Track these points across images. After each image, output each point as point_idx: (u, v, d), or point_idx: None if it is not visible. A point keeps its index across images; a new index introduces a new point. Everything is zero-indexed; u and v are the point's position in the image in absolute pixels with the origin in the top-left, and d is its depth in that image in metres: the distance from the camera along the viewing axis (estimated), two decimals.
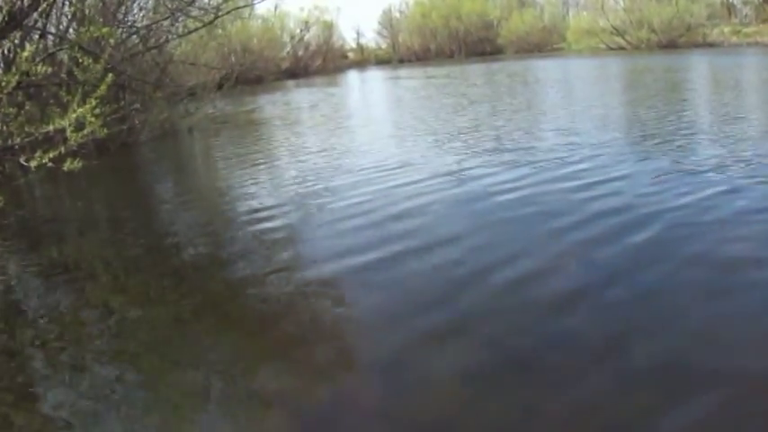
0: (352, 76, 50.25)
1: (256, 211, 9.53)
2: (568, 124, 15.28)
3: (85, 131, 8.44)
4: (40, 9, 13.56)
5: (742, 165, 9.58)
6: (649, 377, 4.10)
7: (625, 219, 7.41)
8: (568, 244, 6.77)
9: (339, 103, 28.22)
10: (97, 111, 8.63)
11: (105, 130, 8.93)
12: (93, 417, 4.32)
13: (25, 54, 8.84)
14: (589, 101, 20.87)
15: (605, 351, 4.50)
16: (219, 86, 23.57)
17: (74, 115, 8.23)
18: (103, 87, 8.71)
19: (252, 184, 11.67)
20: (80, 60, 10.47)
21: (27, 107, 11.84)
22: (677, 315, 4.97)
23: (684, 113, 15.60)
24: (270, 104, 29.04)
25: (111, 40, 12.61)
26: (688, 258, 6.09)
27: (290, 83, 48.11)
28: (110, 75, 9.44)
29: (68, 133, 8.25)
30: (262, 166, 13.42)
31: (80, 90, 9.02)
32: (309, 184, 10.97)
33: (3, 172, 11.63)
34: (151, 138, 18.75)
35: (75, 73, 10.61)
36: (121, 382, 4.72)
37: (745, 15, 61.38)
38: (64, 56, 13.89)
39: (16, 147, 9.38)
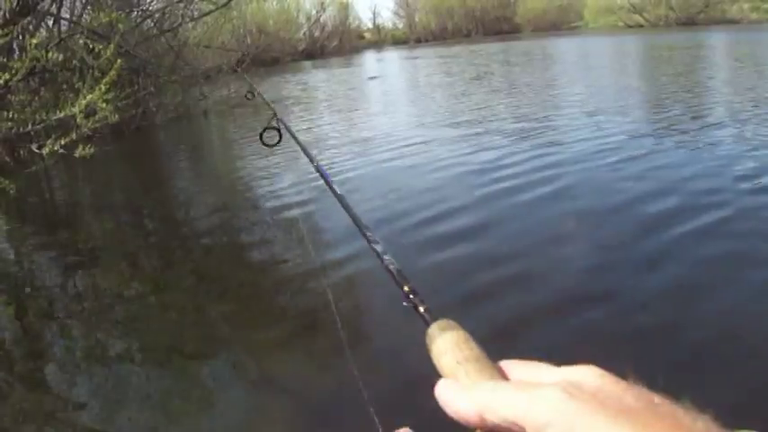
0: (369, 57, 50.06)
1: (272, 193, 9.56)
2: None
3: (96, 117, 8.47)
4: None
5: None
6: None
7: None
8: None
9: (354, 84, 28.15)
10: (108, 96, 8.66)
11: (116, 116, 8.96)
12: (105, 400, 4.37)
13: (35, 41, 8.87)
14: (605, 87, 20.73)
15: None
16: (235, 69, 23.58)
17: (84, 102, 8.25)
18: (113, 74, 8.72)
19: (267, 165, 11.66)
20: (91, 47, 10.50)
21: (42, 93, 11.92)
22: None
23: (706, 95, 15.49)
24: (286, 85, 29.00)
25: (121, 26, 12.61)
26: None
27: (307, 64, 47.98)
28: (119, 60, 9.45)
29: (79, 120, 8.28)
30: (277, 148, 13.41)
31: (91, 76, 9.04)
32: (325, 163, 10.93)
33: (18, 158, 11.70)
34: (166, 121, 18.80)
35: (86, 59, 10.64)
36: (134, 367, 4.78)
37: None
38: (78, 41, 13.92)
39: (32, 133, 9.44)
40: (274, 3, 54.92)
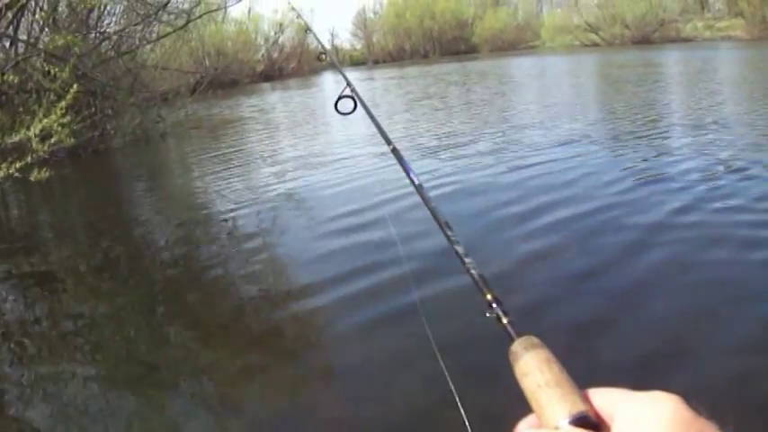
0: (326, 78, 50.05)
1: (230, 215, 9.57)
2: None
3: (52, 141, 8.44)
4: (9, 16, 13.58)
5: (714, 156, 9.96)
6: None
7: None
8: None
9: (309, 106, 28.22)
10: (64, 120, 8.63)
11: (72, 140, 8.93)
12: (63, 425, 4.36)
13: None
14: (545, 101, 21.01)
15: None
16: (193, 91, 23.48)
17: (39, 126, 8.22)
18: (69, 98, 8.69)
19: (225, 187, 11.68)
20: (47, 69, 10.46)
21: None
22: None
23: (656, 109, 15.78)
24: (243, 108, 29.00)
25: (77, 48, 12.56)
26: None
27: (266, 86, 47.96)
28: (76, 85, 9.42)
29: (34, 144, 8.24)
30: (235, 169, 13.43)
31: (46, 99, 9.01)
32: (282, 184, 11.16)
33: None
34: (123, 144, 18.71)
35: (42, 81, 10.60)
36: (98, 393, 4.74)
37: (718, 10, 61.72)
38: (36, 63, 13.84)
39: None
40: (232, 25, 54.93)
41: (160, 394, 4.71)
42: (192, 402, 4.54)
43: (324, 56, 3.60)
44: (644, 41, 54.37)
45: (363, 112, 2.53)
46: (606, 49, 51.48)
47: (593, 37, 59.84)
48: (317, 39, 4.09)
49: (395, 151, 1.90)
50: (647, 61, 32.56)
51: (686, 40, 52.76)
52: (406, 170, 1.65)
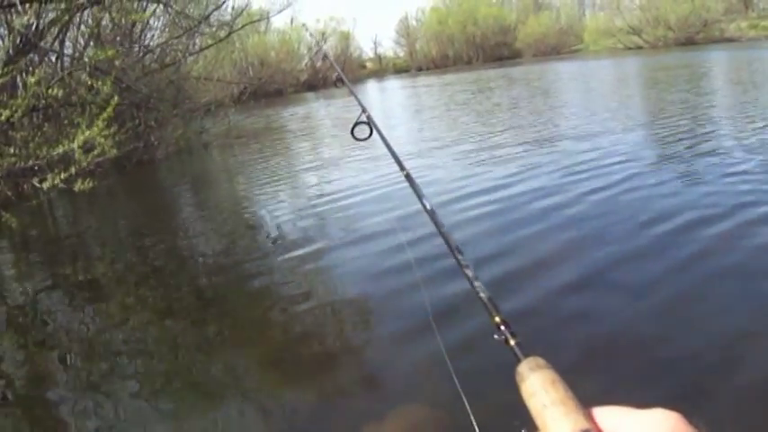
0: (371, 87, 50.24)
1: (272, 222, 9.68)
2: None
3: (96, 152, 8.64)
4: (55, 31, 13.91)
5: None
6: None
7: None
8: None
9: (351, 114, 28.29)
10: (107, 132, 8.83)
11: (116, 151, 9.12)
12: (108, 425, 4.48)
13: (33, 79, 9.05)
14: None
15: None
16: (236, 101, 23.63)
17: (82, 138, 8.42)
18: (110, 110, 8.87)
19: (267, 196, 11.81)
20: (90, 83, 10.70)
21: (44, 128, 12.14)
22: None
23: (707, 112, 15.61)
24: (287, 118, 29.17)
25: (117, 62, 12.81)
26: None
27: (310, 95, 48.22)
28: (116, 97, 9.61)
29: (78, 156, 8.44)
30: (277, 178, 13.54)
31: (89, 112, 9.23)
32: (327, 196, 11.07)
33: (21, 192, 11.89)
34: (167, 155, 18.93)
35: (84, 95, 10.83)
36: (141, 399, 4.82)
37: (763, 9, 61.02)
38: (81, 77, 14.09)
39: (35, 168, 9.62)
40: (275, 35, 55.39)
41: (202, 399, 4.74)
42: (234, 407, 4.60)
43: (340, 83, 3.64)
44: (688, 43, 53.85)
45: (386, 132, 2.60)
46: (650, 52, 51.00)
47: (636, 39, 59.43)
48: (333, 65, 4.18)
49: (408, 177, 1.93)
50: (694, 62, 32.16)
51: (730, 40, 52.08)
52: (419, 195, 1.69)
